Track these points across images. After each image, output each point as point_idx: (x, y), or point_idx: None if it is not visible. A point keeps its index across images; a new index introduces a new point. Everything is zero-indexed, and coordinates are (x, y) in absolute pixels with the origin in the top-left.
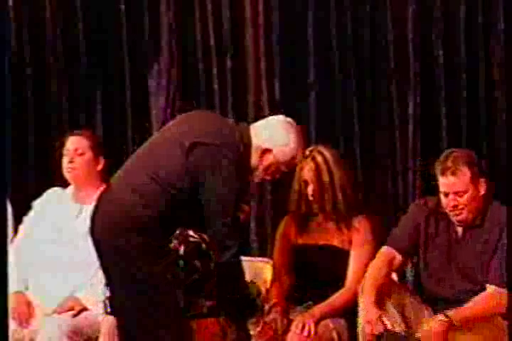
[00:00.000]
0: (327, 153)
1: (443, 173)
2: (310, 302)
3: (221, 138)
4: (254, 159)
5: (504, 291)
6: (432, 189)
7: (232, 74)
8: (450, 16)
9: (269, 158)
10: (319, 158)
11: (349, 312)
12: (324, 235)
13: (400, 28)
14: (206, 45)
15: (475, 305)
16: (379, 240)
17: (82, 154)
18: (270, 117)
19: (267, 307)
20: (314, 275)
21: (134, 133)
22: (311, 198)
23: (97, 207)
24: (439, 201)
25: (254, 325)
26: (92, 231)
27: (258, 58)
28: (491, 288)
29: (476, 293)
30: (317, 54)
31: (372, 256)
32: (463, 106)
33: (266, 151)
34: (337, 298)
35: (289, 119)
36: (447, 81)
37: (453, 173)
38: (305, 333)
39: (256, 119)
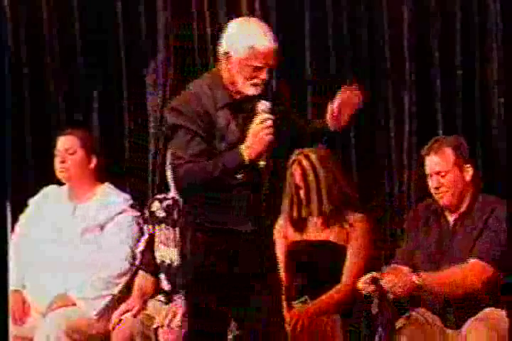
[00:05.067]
0: (313, 156)
1: (427, 154)
2: (306, 297)
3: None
4: (225, 75)
5: (486, 265)
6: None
7: None
8: (446, 16)
9: (232, 61)
10: (305, 162)
11: (345, 307)
12: (321, 231)
13: (396, 28)
14: (203, 45)
15: (450, 272)
16: (374, 237)
17: (73, 153)
18: None
19: None
20: (312, 271)
21: (131, 132)
22: (303, 202)
23: None
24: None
25: None
26: None
27: None
28: (472, 260)
29: None
30: (314, 53)
31: (368, 252)
32: (458, 106)
33: (226, 57)
34: (333, 294)
35: (239, 19)
36: (443, 81)
37: (436, 153)
38: (298, 329)
39: None
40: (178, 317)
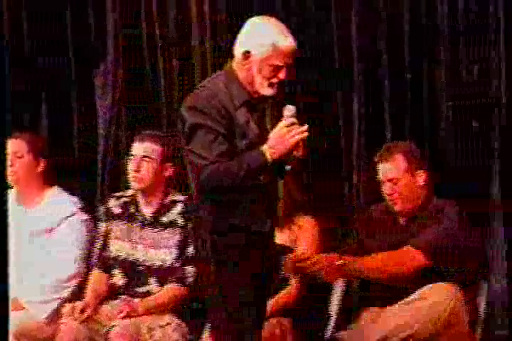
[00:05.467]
0: None
1: (379, 161)
2: None
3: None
4: (242, 74)
5: (418, 254)
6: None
7: (178, 75)
8: (394, 17)
9: (252, 60)
10: None
11: (295, 311)
12: None
13: (345, 29)
14: (152, 46)
15: (380, 257)
16: (324, 239)
17: (21, 157)
18: None
19: None
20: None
21: (80, 133)
22: None
23: None
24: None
25: None
26: None
27: (204, 58)
28: (405, 247)
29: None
30: None
31: (316, 254)
32: (407, 107)
33: (246, 56)
34: (283, 296)
35: (256, 17)
36: (391, 82)
37: (387, 160)
38: None
39: None
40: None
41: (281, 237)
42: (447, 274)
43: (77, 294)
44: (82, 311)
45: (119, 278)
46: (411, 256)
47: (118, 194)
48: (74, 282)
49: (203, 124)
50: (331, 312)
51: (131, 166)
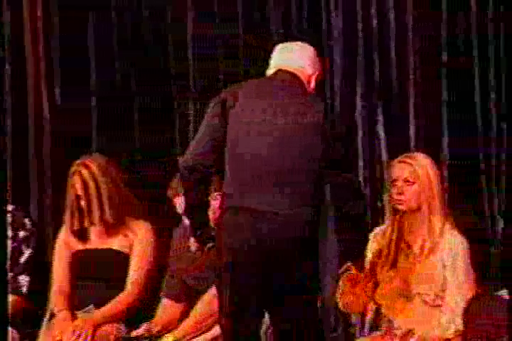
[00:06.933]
0: (93, 166)
1: None
2: (91, 306)
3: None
4: (309, 88)
5: None
6: None
7: (11, 77)
8: (228, 21)
9: (316, 79)
10: (85, 172)
11: (130, 316)
12: (105, 240)
13: (180, 32)
14: None
15: None
16: (159, 245)
17: None
18: (281, 53)
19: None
20: (97, 280)
21: None
22: (84, 212)
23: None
24: None
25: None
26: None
27: (38, 60)
28: None
29: None
30: (98, 57)
31: (151, 260)
32: None
33: (316, 74)
34: (117, 302)
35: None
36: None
37: None
38: (80, 340)
39: (36, 122)
40: None
41: (115, 242)
42: None
43: None
44: None
45: None
46: None
47: None
48: None
49: None
50: None
51: None
